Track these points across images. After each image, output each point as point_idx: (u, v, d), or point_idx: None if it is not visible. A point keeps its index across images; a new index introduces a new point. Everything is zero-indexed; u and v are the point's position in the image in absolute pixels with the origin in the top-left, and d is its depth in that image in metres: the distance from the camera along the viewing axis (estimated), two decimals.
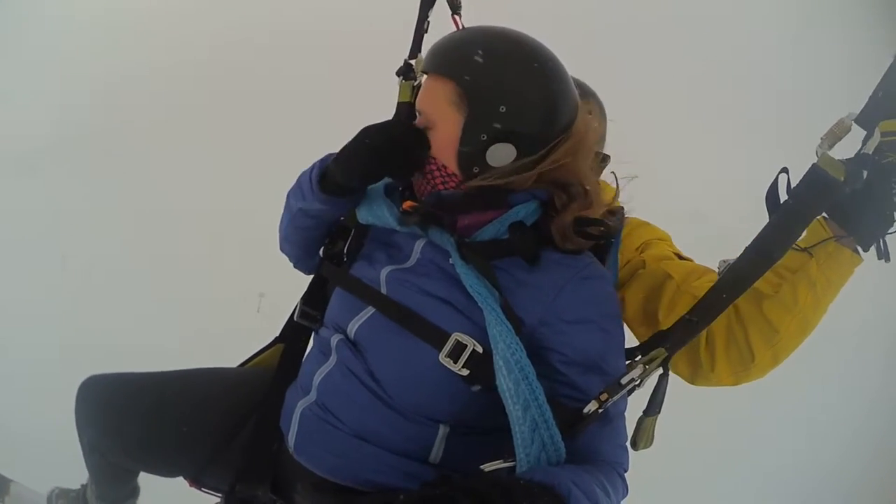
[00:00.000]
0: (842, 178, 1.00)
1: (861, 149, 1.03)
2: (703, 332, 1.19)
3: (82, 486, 1.75)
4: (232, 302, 3.53)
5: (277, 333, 1.51)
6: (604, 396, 0.98)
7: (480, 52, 1.08)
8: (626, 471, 1.03)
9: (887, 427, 3.49)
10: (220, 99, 4.59)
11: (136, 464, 1.45)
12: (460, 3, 1.52)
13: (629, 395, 1.08)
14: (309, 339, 1.39)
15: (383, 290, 1.14)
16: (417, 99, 1.17)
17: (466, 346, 1.03)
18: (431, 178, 1.14)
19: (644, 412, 1.12)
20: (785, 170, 1.07)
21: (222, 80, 4.74)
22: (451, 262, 1.09)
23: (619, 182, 1.22)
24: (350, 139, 1.14)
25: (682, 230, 1.50)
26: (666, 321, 1.18)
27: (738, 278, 1.06)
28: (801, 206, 1.03)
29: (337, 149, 1.18)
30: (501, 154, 1.08)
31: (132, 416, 1.34)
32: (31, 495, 2.18)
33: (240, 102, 4.52)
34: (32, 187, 4.19)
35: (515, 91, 1.06)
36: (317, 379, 1.17)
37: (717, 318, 1.15)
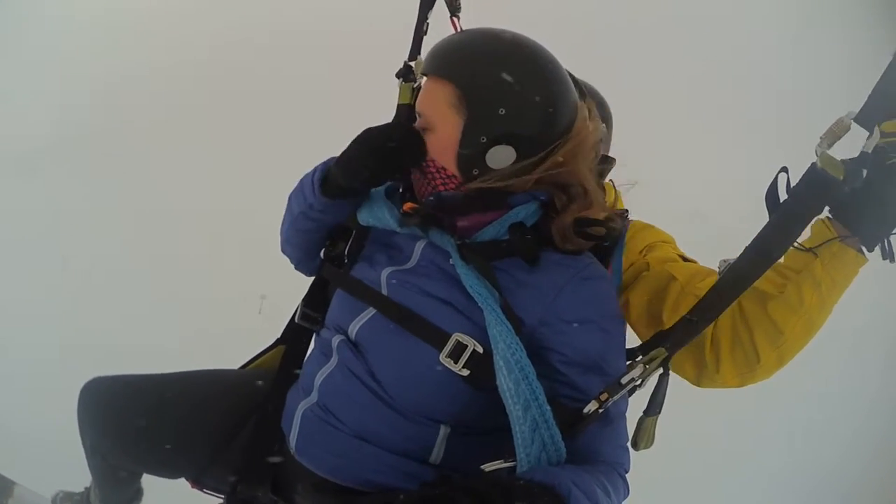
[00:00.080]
0: (841, 178, 1.00)
1: (862, 148, 1.03)
2: (709, 334, 1.19)
3: (86, 488, 1.75)
4: (233, 303, 3.53)
5: (279, 335, 1.51)
6: (604, 396, 0.98)
7: (480, 54, 1.08)
8: (627, 471, 1.03)
9: (887, 427, 3.49)
10: (220, 99, 4.59)
11: (138, 465, 1.45)
12: (459, 4, 1.52)
13: (630, 395, 1.08)
14: (310, 340, 1.40)
15: (384, 292, 1.14)
16: (417, 101, 1.18)
17: (467, 346, 1.03)
18: (431, 179, 1.14)
19: (644, 412, 1.12)
20: (784, 169, 1.07)
21: (222, 80, 4.74)
22: (451, 262, 1.10)
23: (619, 188, 1.21)
24: (351, 141, 1.14)
25: (682, 230, 1.50)
26: (670, 323, 1.18)
27: (738, 278, 1.06)
28: (800, 206, 1.03)
29: (337, 150, 1.18)
30: (501, 156, 1.08)
31: (132, 418, 1.34)
32: (35, 498, 2.19)
33: (240, 102, 4.53)
34: (32, 187, 4.20)
35: (515, 93, 1.06)
36: (318, 380, 1.18)
37: (720, 319, 1.16)
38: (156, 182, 4.16)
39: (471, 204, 1.12)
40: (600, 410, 0.97)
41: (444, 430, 1.08)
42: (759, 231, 1.07)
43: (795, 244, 1.10)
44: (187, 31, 4.99)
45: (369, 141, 1.12)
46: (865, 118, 1.04)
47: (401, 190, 1.26)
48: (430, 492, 0.83)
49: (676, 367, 1.25)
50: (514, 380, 0.97)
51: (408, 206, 1.15)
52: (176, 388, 1.39)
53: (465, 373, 1.03)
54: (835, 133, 1.05)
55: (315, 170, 1.22)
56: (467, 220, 1.14)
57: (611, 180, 1.51)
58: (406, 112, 1.42)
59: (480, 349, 1.03)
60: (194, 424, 1.32)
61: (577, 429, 0.98)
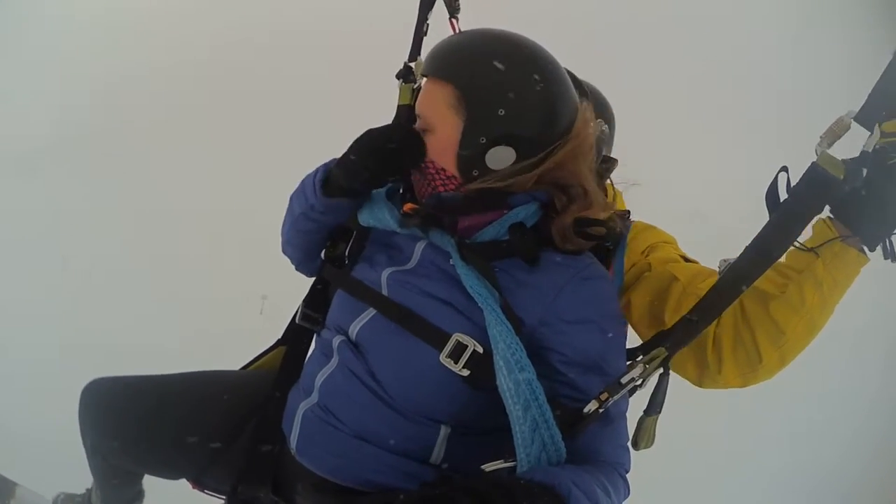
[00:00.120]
0: (841, 177, 1.00)
1: (863, 147, 1.03)
2: (711, 335, 1.19)
3: (87, 490, 1.75)
4: (234, 304, 3.53)
5: (280, 335, 1.51)
6: (604, 396, 0.97)
7: (479, 55, 1.08)
8: (627, 471, 1.03)
9: (887, 427, 3.49)
10: (220, 99, 4.60)
11: (138, 466, 1.45)
12: (458, 6, 1.52)
13: (630, 395, 1.08)
14: (311, 341, 1.39)
15: (384, 292, 1.15)
16: (417, 102, 1.18)
17: (467, 346, 1.03)
18: (431, 180, 1.14)
19: (645, 412, 1.11)
20: (785, 168, 1.07)
21: (222, 80, 4.75)
22: (451, 263, 1.10)
23: (618, 187, 1.21)
24: (351, 142, 1.14)
25: (682, 230, 1.50)
26: (672, 323, 1.18)
27: (738, 277, 1.06)
28: (800, 205, 1.03)
29: (337, 150, 1.18)
30: (501, 157, 1.08)
31: (132, 418, 1.34)
32: (36, 499, 2.19)
33: (240, 102, 4.53)
34: (33, 187, 4.20)
35: (514, 94, 1.06)
36: (318, 380, 1.17)
37: (722, 320, 1.16)
38: (156, 182, 4.16)
39: (471, 204, 1.12)
40: (600, 410, 0.97)
41: (444, 431, 1.08)
42: (759, 231, 1.07)
43: (797, 244, 1.10)
44: (187, 31, 5.00)
45: (369, 142, 1.12)
46: (866, 117, 1.03)
47: (401, 191, 1.26)
48: (430, 492, 0.83)
49: (678, 367, 1.25)
50: (514, 380, 0.97)
51: (408, 206, 1.15)
52: (175, 388, 1.39)
53: (466, 373, 1.03)
54: (835, 132, 1.05)
55: (317, 170, 1.23)
56: (467, 221, 1.14)
57: (610, 180, 1.51)
58: (406, 113, 1.42)
59: (480, 349, 1.03)
60: (195, 425, 1.32)
61: (578, 429, 0.98)
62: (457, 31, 1.48)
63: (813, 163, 1.02)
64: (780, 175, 1.07)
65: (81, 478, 1.65)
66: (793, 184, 1.05)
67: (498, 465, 0.96)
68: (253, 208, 3.16)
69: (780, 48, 4.71)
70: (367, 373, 1.11)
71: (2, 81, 4.71)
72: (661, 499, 2.26)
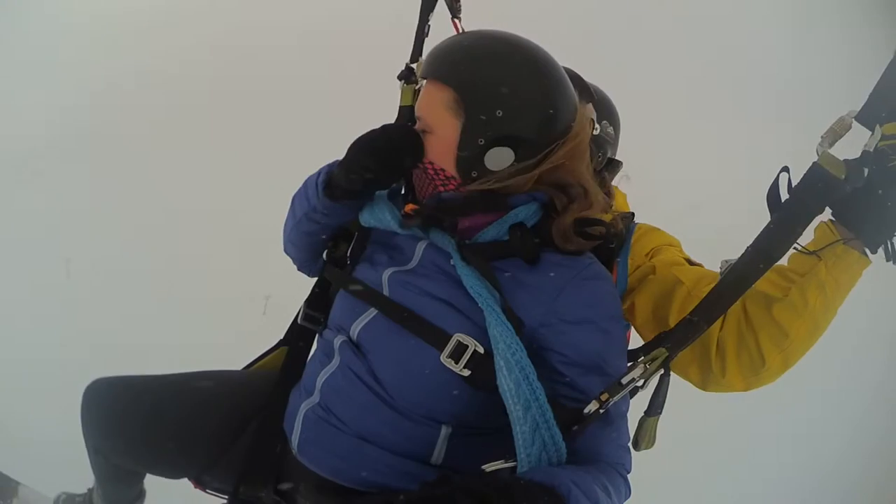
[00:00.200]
0: (842, 177, 1.00)
1: (864, 147, 1.03)
2: (714, 339, 1.19)
3: (88, 490, 1.75)
4: (237, 304, 3.53)
5: (283, 336, 1.51)
6: (604, 396, 0.97)
7: (476, 57, 1.09)
8: (628, 471, 1.03)
9: (887, 427, 3.49)
10: (220, 99, 4.60)
11: (140, 465, 1.45)
12: (460, 6, 1.52)
13: (631, 396, 1.08)
14: (313, 341, 1.40)
15: (385, 292, 1.15)
16: (416, 104, 1.18)
17: (468, 346, 1.03)
18: (431, 181, 1.14)
19: (645, 412, 1.11)
20: (786, 169, 1.07)
21: (222, 80, 4.75)
22: (452, 263, 1.10)
23: (614, 182, 1.21)
24: (351, 144, 1.14)
25: (682, 230, 1.50)
26: None
27: (739, 278, 1.06)
28: (801, 205, 1.03)
29: (337, 150, 1.18)
30: (499, 158, 1.08)
31: (134, 418, 1.34)
32: (39, 498, 2.19)
33: (240, 103, 4.53)
34: (33, 188, 4.20)
35: (512, 95, 1.07)
36: (320, 380, 1.18)
37: (726, 324, 1.16)
38: (156, 182, 4.16)
39: (471, 205, 1.12)
40: (601, 411, 0.97)
41: (445, 431, 1.08)
42: (760, 231, 1.07)
43: (799, 247, 1.10)
44: (187, 32, 5.00)
45: (369, 143, 1.13)
46: (867, 117, 1.04)
47: (403, 191, 1.26)
48: (430, 492, 0.83)
49: (682, 371, 1.26)
50: (514, 380, 0.97)
51: (409, 207, 1.15)
52: (176, 388, 1.39)
53: (466, 373, 1.03)
54: (836, 132, 1.05)
55: (319, 172, 1.23)
56: (468, 221, 1.14)
57: (606, 173, 1.51)
58: (408, 114, 1.42)
59: (481, 350, 1.03)
60: (196, 425, 1.32)
61: (578, 429, 0.97)
62: (460, 31, 1.48)
63: (814, 163, 1.02)
64: (781, 175, 1.07)
65: (84, 477, 1.65)
66: (794, 184, 1.05)
67: (498, 465, 0.96)
68: (254, 208, 3.16)
69: (780, 48, 4.71)
70: (369, 373, 1.11)
71: (2, 82, 4.71)
72: (661, 499, 2.27)
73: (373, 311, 1.15)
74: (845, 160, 1.02)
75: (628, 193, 1.61)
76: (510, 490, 0.81)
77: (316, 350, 1.31)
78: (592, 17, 4.71)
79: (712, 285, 1.15)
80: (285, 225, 1.37)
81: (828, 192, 1.02)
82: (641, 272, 1.34)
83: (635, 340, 1.28)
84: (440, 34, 1.26)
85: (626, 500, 1.00)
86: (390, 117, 1.42)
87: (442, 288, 1.10)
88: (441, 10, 1.51)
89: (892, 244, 1.07)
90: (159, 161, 4.30)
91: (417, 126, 1.16)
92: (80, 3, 5.28)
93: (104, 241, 3.88)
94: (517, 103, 1.07)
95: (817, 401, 3.39)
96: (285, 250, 1.42)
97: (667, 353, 1.04)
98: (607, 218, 1.15)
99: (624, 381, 0.99)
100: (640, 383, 1.02)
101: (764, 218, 1.07)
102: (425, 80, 1.16)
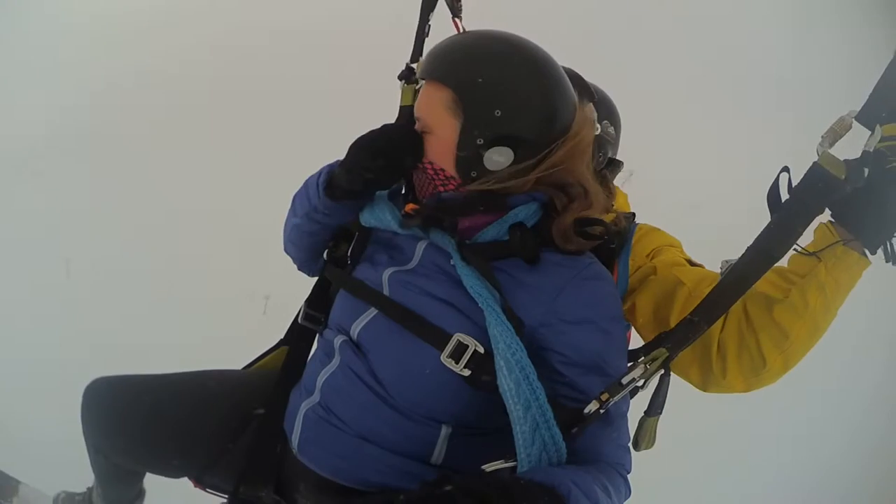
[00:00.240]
0: (843, 177, 1.00)
1: (864, 147, 1.03)
2: (715, 341, 1.20)
3: (88, 489, 1.75)
4: (237, 303, 3.53)
5: (283, 335, 1.51)
6: (605, 396, 0.97)
7: (475, 57, 1.09)
8: (628, 471, 1.03)
9: (887, 427, 3.49)
10: (219, 99, 4.60)
11: (139, 465, 1.45)
12: (461, 6, 1.52)
13: (632, 396, 1.08)
14: (313, 341, 1.40)
15: (385, 292, 1.15)
16: (415, 105, 1.18)
17: (468, 346, 1.03)
18: (431, 181, 1.15)
19: (645, 413, 1.11)
20: (786, 169, 1.07)
21: (222, 80, 4.75)
22: (452, 263, 1.10)
23: (616, 181, 1.21)
24: (351, 143, 1.14)
25: (682, 230, 1.50)
26: None
27: (739, 278, 1.06)
28: (801, 205, 1.03)
29: (336, 150, 1.18)
30: (498, 158, 1.08)
31: (134, 418, 1.34)
32: (39, 497, 2.19)
33: (240, 102, 4.53)
34: (33, 188, 4.20)
35: (510, 95, 1.07)
36: (320, 380, 1.18)
37: (726, 324, 1.16)
38: (156, 182, 4.16)
39: (471, 205, 1.12)
40: (601, 411, 0.97)
41: (445, 431, 1.08)
42: (760, 231, 1.07)
43: (800, 249, 1.10)
44: (187, 32, 5.00)
45: (369, 143, 1.13)
46: (867, 117, 1.04)
47: (403, 191, 1.26)
48: (430, 491, 0.83)
49: (683, 372, 1.26)
50: (514, 380, 0.97)
51: (409, 207, 1.15)
52: (179, 388, 1.39)
53: (467, 373, 1.03)
54: (836, 132, 1.05)
55: (320, 172, 1.23)
56: (468, 221, 1.14)
57: (606, 171, 1.50)
58: (408, 114, 1.42)
59: (481, 349, 1.03)
60: (196, 424, 1.32)
61: (578, 429, 0.97)
62: (460, 31, 1.48)
63: (814, 163, 1.02)
64: (781, 175, 1.07)
65: (85, 476, 1.65)
66: (794, 184, 1.05)
67: (498, 465, 0.96)
68: (254, 208, 3.16)
69: (779, 48, 4.71)
70: (369, 372, 1.11)
71: (2, 82, 4.71)
72: (661, 499, 2.27)
73: (373, 311, 1.15)
74: (845, 160, 1.02)
75: (629, 193, 1.62)
76: (510, 490, 0.81)
77: (316, 350, 1.31)
78: (592, 17, 4.71)
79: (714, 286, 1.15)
80: (285, 225, 1.37)
81: (828, 192, 1.02)
82: (642, 273, 1.34)
83: (636, 341, 1.28)
84: (441, 34, 1.26)
85: (626, 500, 1.00)
86: (390, 117, 1.42)
87: (442, 288, 1.10)
88: (441, 10, 1.51)
89: (891, 245, 1.07)
90: (159, 161, 4.30)
91: (417, 126, 1.16)
92: (80, 3, 5.28)
93: (104, 241, 3.88)
94: (516, 103, 1.07)
95: (817, 401, 3.39)
96: (285, 250, 1.42)
97: (667, 354, 1.04)
98: (608, 218, 1.15)
99: (624, 381, 0.99)
100: (640, 383, 1.02)
101: (764, 218, 1.07)
102: (424, 81, 1.16)
